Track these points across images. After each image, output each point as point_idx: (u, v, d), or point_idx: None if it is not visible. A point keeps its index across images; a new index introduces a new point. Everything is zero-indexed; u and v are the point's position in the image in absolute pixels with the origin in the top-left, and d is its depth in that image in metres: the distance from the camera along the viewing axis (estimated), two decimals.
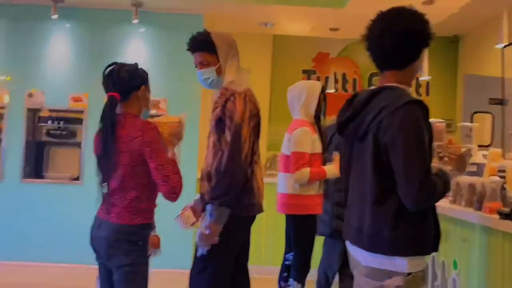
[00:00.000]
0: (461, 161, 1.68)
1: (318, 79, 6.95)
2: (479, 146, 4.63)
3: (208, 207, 2.03)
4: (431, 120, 3.73)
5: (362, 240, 1.61)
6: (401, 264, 1.55)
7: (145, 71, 2.03)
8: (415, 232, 1.56)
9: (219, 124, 2.04)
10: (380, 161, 1.56)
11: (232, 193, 1.98)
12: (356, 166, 1.69)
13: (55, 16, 4.28)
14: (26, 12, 4.46)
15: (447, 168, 1.64)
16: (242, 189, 2.03)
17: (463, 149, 1.70)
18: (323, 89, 3.05)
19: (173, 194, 1.84)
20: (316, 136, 2.87)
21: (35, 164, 4.56)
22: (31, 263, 4.18)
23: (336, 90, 6.87)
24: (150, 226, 1.95)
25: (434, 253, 2.44)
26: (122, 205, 1.88)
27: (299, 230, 2.82)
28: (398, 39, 1.55)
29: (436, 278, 2.45)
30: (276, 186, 4.40)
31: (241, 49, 7.59)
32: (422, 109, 1.55)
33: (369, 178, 1.59)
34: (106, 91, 1.91)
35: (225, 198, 1.98)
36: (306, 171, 2.75)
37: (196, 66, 2.20)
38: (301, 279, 2.79)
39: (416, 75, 1.67)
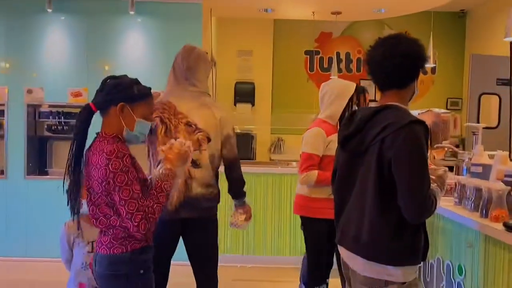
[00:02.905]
0: (440, 181, 1.83)
1: (321, 59, 6.85)
2: (486, 128, 4.56)
3: None
4: (437, 110, 3.66)
5: (359, 248, 1.73)
6: (396, 273, 1.67)
7: (142, 89, 1.81)
8: (410, 243, 1.69)
9: None
10: (382, 175, 1.67)
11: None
12: (357, 178, 1.78)
13: (50, 10, 4.19)
14: (21, 6, 4.35)
15: (432, 186, 1.75)
16: None
17: (440, 171, 1.85)
18: (358, 90, 2.75)
19: (137, 232, 1.69)
20: (332, 138, 2.62)
21: (38, 160, 4.56)
22: (35, 259, 4.23)
23: (341, 70, 6.75)
24: (148, 249, 1.82)
25: (439, 255, 2.44)
26: (110, 233, 1.76)
27: (308, 233, 2.74)
28: (398, 61, 1.70)
29: (441, 280, 2.43)
30: (279, 174, 4.47)
31: (241, 33, 7.49)
32: (424, 129, 1.68)
33: (370, 190, 1.70)
34: None
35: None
36: (313, 174, 2.62)
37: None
38: (312, 285, 2.73)
39: (413, 95, 1.81)
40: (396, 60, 1.69)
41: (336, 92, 2.73)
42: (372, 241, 1.68)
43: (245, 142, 6.41)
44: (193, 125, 2.23)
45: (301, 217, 2.78)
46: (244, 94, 6.44)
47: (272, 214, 4.43)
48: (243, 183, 2.53)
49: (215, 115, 2.35)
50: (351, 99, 2.72)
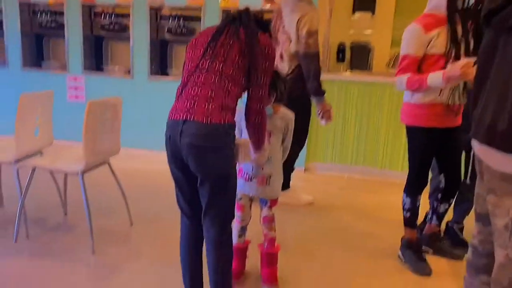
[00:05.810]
0: None
1: None
2: None
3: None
4: None
5: (495, 138, 1.49)
6: None
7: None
8: None
9: None
10: None
11: None
12: (500, 60, 1.52)
13: None
14: None
15: None
16: None
17: None
18: None
19: (259, 114, 1.72)
20: (434, 33, 2.24)
21: (160, 62, 4.81)
22: (152, 151, 4.62)
23: None
24: (235, 126, 1.73)
25: None
26: (212, 102, 1.63)
27: (409, 142, 2.50)
28: None
29: None
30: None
31: None
32: None
33: None
34: None
35: None
36: (403, 78, 2.30)
37: None
38: (410, 193, 2.54)
39: None
40: None
41: None
42: (510, 129, 1.43)
43: (362, 54, 6.02)
44: (285, 28, 3.01)
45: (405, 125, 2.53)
46: (364, 0, 5.94)
47: (387, 125, 4.21)
48: (314, 77, 2.97)
49: (296, 18, 2.96)
50: None
